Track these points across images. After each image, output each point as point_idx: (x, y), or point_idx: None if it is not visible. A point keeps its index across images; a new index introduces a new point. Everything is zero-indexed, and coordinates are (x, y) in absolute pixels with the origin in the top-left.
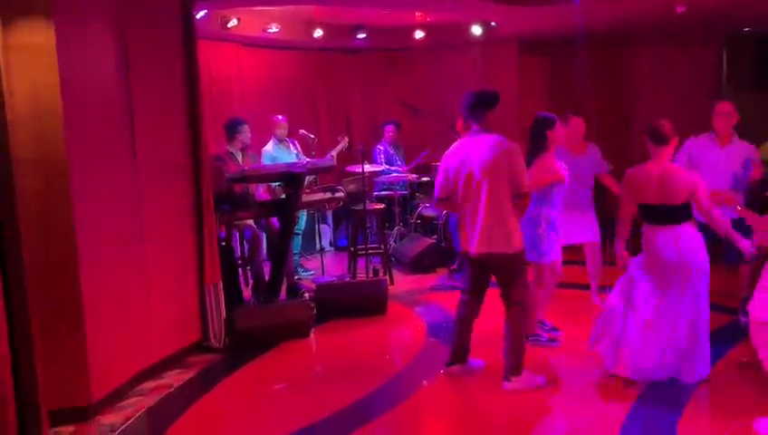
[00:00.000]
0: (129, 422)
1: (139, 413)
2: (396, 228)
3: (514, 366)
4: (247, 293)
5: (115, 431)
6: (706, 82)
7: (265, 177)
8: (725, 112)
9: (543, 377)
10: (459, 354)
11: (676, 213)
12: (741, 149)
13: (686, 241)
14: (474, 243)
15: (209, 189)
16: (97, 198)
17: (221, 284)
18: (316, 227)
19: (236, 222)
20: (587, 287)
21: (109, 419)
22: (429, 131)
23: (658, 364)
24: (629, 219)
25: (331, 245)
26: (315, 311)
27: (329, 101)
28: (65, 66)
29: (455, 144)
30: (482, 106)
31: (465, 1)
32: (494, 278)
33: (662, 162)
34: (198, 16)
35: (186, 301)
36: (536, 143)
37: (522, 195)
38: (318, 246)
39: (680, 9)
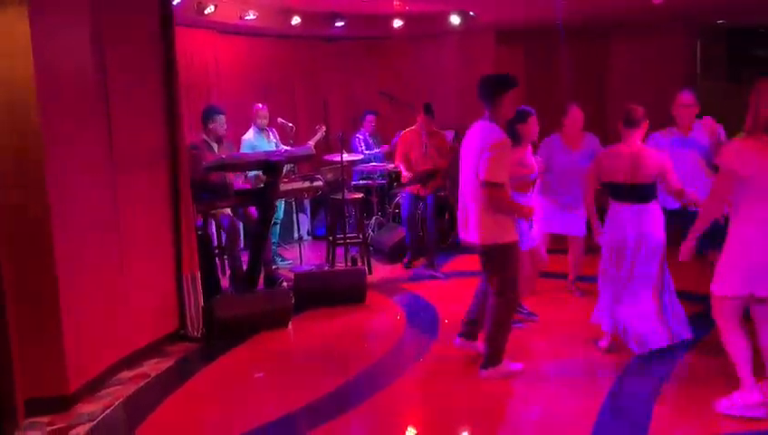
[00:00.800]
0: (108, 412)
1: (118, 402)
2: (374, 218)
3: (492, 356)
4: (225, 282)
5: (93, 420)
6: (681, 73)
7: (244, 165)
8: (688, 104)
9: (521, 364)
10: (469, 328)
11: (644, 192)
12: (702, 132)
13: (648, 219)
14: (463, 230)
15: (186, 178)
16: (72, 186)
17: (198, 273)
18: (294, 216)
19: (213, 211)
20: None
21: (87, 408)
22: (407, 121)
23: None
24: (593, 197)
25: (308, 234)
26: (294, 300)
27: (307, 90)
28: (39, 53)
29: (469, 130)
30: (490, 91)
31: None
32: None
33: (632, 144)
34: (174, 2)
35: (163, 290)
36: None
37: (485, 184)
38: (296, 235)
39: (657, 1)
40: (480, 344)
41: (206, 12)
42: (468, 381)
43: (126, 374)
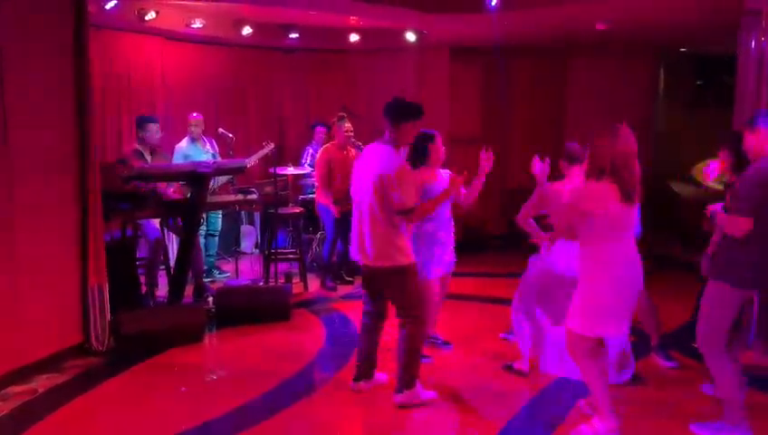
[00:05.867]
0: None
1: None
2: (320, 233)
3: (407, 380)
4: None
5: None
6: (642, 97)
7: (166, 175)
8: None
9: (434, 392)
10: (364, 369)
11: None
12: None
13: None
14: (360, 254)
15: (97, 187)
16: None
17: (106, 285)
18: (241, 227)
19: (139, 222)
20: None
21: None
22: (363, 135)
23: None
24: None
25: (256, 247)
26: (216, 315)
27: (259, 101)
28: None
29: (365, 149)
30: (397, 115)
31: (390, 8)
32: None
33: (574, 180)
34: (108, 6)
35: (65, 301)
36: (416, 157)
37: (398, 212)
38: (239, 247)
39: (601, 26)
40: (380, 375)
41: (146, 18)
42: (367, 406)
43: (12, 390)
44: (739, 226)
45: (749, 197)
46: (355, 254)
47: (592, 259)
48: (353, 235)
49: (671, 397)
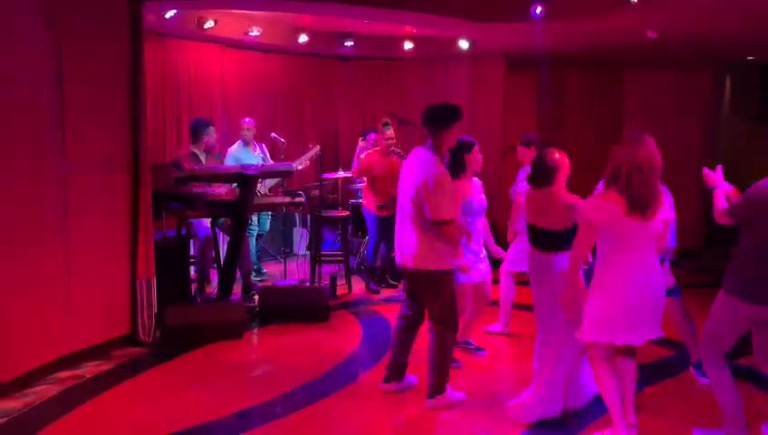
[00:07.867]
0: (24, 411)
1: (39, 402)
2: (367, 237)
3: (438, 384)
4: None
5: (7, 417)
6: (705, 108)
7: (215, 177)
8: None
9: (463, 393)
10: (395, 370)
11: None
12: None
13: None
14: (399, 255)
15: (148, 187)
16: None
17: (154, 279)
18: (294, 229)
19: (192, 220)
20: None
21: (7, 404)
22: (416, 143)
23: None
24: None
25: (308, 249)
26: (259, 313)
27: (314, 106)
28: None
29: (411, 153)
30: (441, 119)
31: (440, 17)
32: None
33: None
34: (168, 16)
35: (115, 294)
36: (453, 167)
37: (432, 223)
38: (291, 249)
39: (652, 35)
40: (411, 377)
41: (205, 26)
42: (390, 407)
43: (62, 374)
44: (718, 215)
45: (741, 204)
46: (399, 257)
47: (597, 268)
48: (396, 238)
49: (700, 411)
